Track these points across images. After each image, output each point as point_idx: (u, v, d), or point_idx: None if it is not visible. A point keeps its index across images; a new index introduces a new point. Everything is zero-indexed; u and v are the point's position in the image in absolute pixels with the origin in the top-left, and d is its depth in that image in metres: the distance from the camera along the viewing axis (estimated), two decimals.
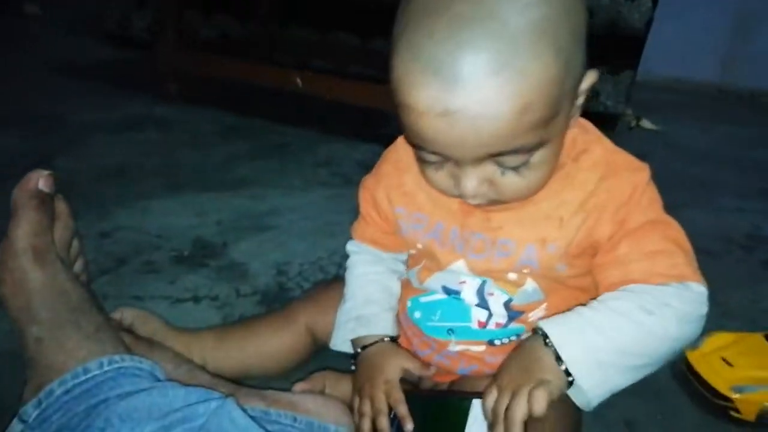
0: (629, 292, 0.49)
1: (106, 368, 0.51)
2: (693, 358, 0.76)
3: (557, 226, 0.51)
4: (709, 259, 1.11)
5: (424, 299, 0.60)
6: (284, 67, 1.59)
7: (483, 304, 0.55)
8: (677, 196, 1.39)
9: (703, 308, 0.50)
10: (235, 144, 1.48)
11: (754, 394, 0.69)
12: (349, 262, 0.66)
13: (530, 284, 0.54)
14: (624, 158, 0.52)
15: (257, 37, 2.10)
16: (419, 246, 0.58)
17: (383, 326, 0.61)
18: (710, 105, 2.29)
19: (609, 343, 0.47)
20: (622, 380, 0.49)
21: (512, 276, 0.54)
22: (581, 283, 0.54)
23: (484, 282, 0.55)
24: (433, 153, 0.45)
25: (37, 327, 0.52)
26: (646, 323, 0.47)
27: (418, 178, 0.54)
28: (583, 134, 0.53)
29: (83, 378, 0.50)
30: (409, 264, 0.63)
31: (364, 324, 0.61)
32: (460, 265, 0.55)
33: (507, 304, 0.55)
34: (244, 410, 0.49)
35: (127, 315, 0.67)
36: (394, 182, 0.59)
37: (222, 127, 1.59)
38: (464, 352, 0.58)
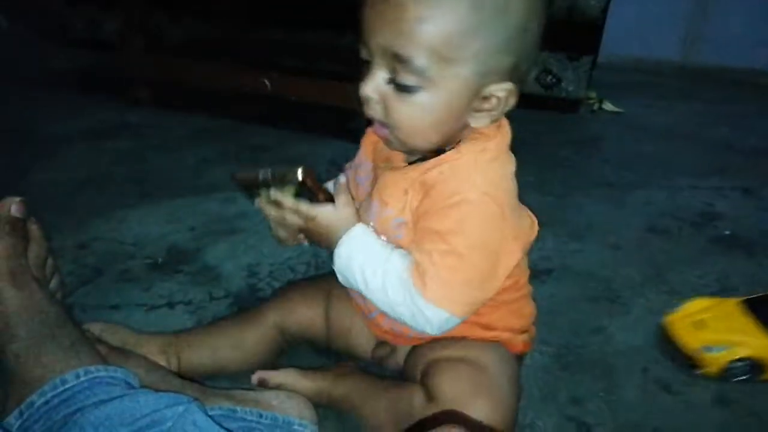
0: (404, 262, 0.58)
1: (81, 378, 0.56)
2: (670, 321, 0.86)
3: (398, 197, 0.58)
4: (660, 238, 1.18)
5: None
6: (252, 69, 1.61)
7: None
8: (635, 176, 1.47)
9: (427, 327, 0.58)
10: (206, 147, 1.51)
11: (721, 353, 0.79)
12: None
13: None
14: (470, 176, 0.55)
15: (224, 39, 2.12)
16: (351, 186, 0.66)
17: None
18: (672, 84, 2.35)
19: (363, 270, 0.59)
20: (358, 291, 0.61)
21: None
22: None
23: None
24: (363, 43, 0.53)
25: (15, 345, 0.57)
26: (390, 288, 0.57)
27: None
28: (477, 139, 0.57)
29: (61, 389, 0.54)
30: None
31: None
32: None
33: None
34: (207, 414, 0.54)
35: (95, 328, 0.71)
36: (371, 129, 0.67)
37: (193, 130, 1.62)
38: None
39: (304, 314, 0.74)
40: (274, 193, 0.58)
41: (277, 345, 0.75)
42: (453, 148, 0.57)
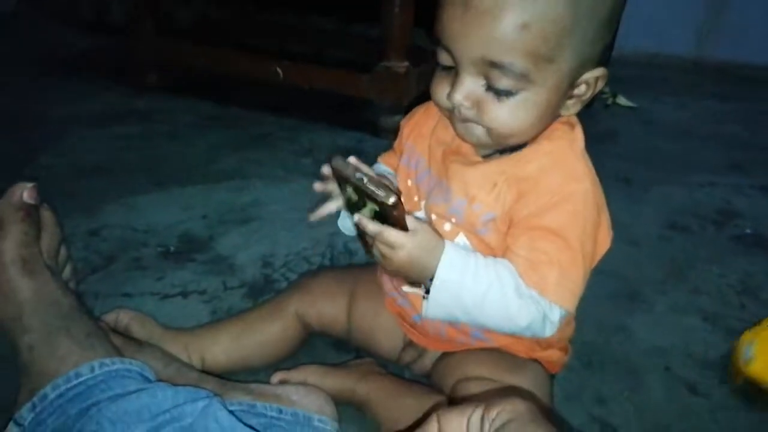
0: (518, 269, 0.53)
1: (96, 372, 0.54)
2: (756, 369, 0.74)
3: (488, 190, 0.56)
4: (680, 235, 1.15)
5: None
6: (264, 57, 1.58)
7: None
8: (651, 172, 1.44)
9: (547, 328, 0.54)
10: (216, 135, 1.49)
11: None
12: None
13: (461, 239, 0.58)
14: (574, 166, 0.55)
15: (235, 22, 2.09)
16: (409, 183, 0.64)
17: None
18: (686, 79, 2.31)
19: (473, 290, 0.52)
20: (453, 316, 0.55)
21: (447, 227, 0.59)
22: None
23: None
24: (445, 50, 0.51)
25: (29, 336, 0.55)
26: (510, 300, 0.52)
27: (434, 128, 0.62)
28: (565, 129, 0.56)
29: (75, 382, 0.53)
30: None
31: None
32: (422, 205, 0.62)
33: None
34: (229, 410, 0.52)
35: (123, 317, 0.69)
36: (419, 120, 0.66)
37: (202, 117, 1.59)
38: (414, 296, 0.63)
39: (325, 310, 0.72)
40: (359, 218, 0.52)
41: (300, 337, 0.74)
42: (535, 139, 0.55)
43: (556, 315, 0.54)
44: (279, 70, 1.51)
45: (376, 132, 1.50)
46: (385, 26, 1.39)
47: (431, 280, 0.52)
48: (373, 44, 1.65)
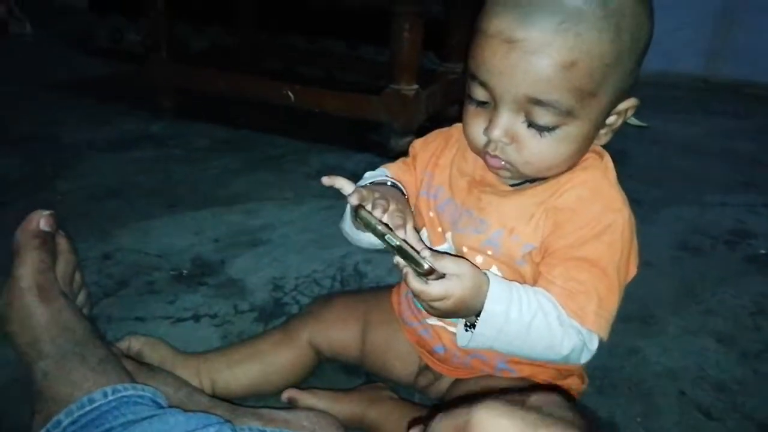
0: (555, 298, 0.53)
1: (110, 398, 0.54)
2: None
3: (526, 221, 0.55)
4: (694, 256, 1.15)
5: None
6: (275, 80, 1.61)
7: None
8: (663, 192, 1.44)
9: (584, 356, 0.54)
10: (228, 158, 1.51)
11: None
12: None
13: (495, 271, 0.57)
14: (612, 195, 0.55)
15: (247, 48, 2.13)
16: (431, 214, 0.63)
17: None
18: (695, 98, 2.31)
19: (519, 321, 0.51)
20: (496, 346, 0.54)
21: (479, 259, 0.58)
22: None
23: None
24: (482, 85, 0.50)
25: (44, 362, 0.56)
26: (554, 330, 0.52)
27: (453, 158, 0.62)
28: (595, 158, 0.57)
29: (88, 408, 0.53)
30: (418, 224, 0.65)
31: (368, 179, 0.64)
32: (448, 237, 0.60)
33: None
34: None
35: (135, 343, 0.70)
36: (436, 150, 0.64)
37: (215, 141, 1.62)
38: (439, 328, 0.63)
39: (338, 336, 0.72)
40: (406, 276, 0.50)
41: (312, 364, 0.74)
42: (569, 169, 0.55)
43: (594, 343, 0.54)
44: (290, 94, 1.54)
45: (387, 153, 1.51)
46: (395, 49, 1.41)
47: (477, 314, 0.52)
48: (382, 67, 1.68)
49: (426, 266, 0.48)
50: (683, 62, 2.40)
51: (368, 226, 0.50)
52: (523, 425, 0.33)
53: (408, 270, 0.50)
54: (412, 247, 0.50)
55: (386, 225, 0.51)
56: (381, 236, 0.49)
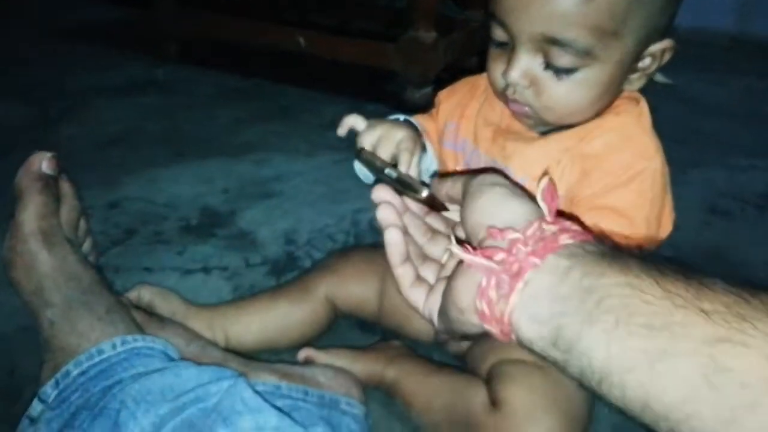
0: None
1: (119, 349, 0.52)
2: None
3: (552, 168, 0.53)
4: (722, 219, 1.10)
5: None
6: (286, 27, 1.54)
7: None
8: (690, 152, 1.38)
9: None
10: (237, 107, 1.46)
11: None
12: None
13: None
14: (644, 142, 0.52)
15: None
16: (458, 168, 0.61)
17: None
18: (725, 56, 2.21)
19: None
20: None
21: None
22: None
23: None
24: (501, 25, 0.48)
25: (50, 310, 0.53)
26: None
27: (480, 108, 0.59)
28: (629, 103, 0.54)
29: (97, 359, 0.51)
30: None
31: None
32: None
33: None
34: (255, 390, 0.50)
35: (145, 293, 0.67)
36: (462, 100, 0.62)
37: (224, 89, 1.56)
38: None
39: (356, 291, 0.70)
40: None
41: (328, 319, 0.71)
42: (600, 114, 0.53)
43: None
44: (302, 40, 1.47)
45: (402, 105, 1.45)
46: None
47: None
48: (399, 14, 1.60)
49: (424, 194, 0.46)
50: (713, 19, 2.29)
51: (367, 163, 0.50)
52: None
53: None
54: (411, 178, 0.48)
55: (390, 164, 0.50)
56: (380, 171, 0.48)
